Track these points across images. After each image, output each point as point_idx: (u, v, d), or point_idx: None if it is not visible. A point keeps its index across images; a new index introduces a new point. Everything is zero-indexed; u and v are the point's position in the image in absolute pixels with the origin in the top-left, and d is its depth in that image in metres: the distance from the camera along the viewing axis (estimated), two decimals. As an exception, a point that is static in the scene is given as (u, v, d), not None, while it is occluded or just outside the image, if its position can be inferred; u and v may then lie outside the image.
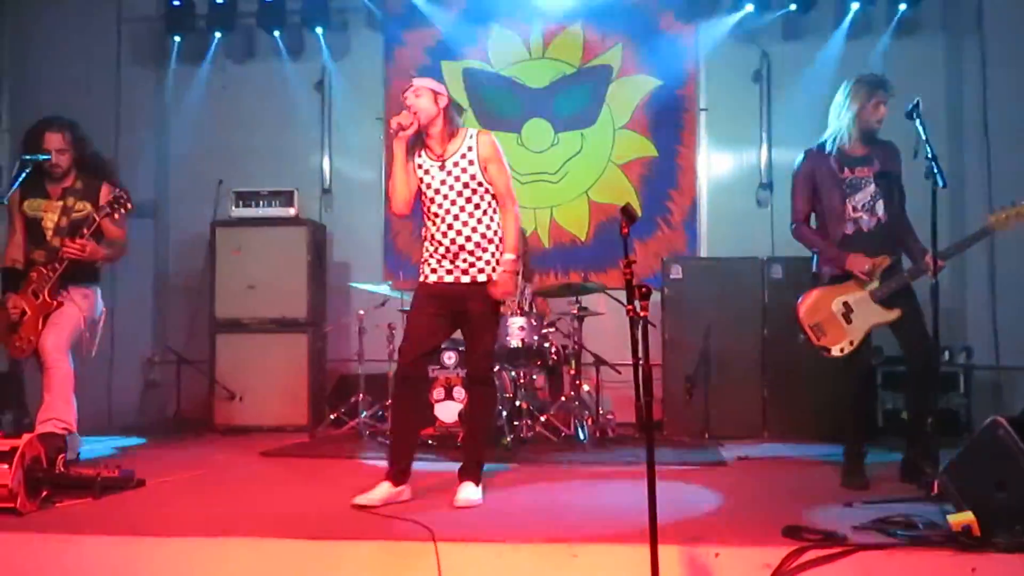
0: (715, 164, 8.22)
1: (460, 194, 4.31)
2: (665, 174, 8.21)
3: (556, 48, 8.41)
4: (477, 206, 4.33)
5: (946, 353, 6.77)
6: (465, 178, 4.31)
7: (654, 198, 8.18)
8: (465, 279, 4.32)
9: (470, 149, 4.34)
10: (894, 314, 4.71)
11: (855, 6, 7.70)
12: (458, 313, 4.37)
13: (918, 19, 7.71)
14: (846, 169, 4.81)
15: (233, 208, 7.72)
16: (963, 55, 7.63)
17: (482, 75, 8.46)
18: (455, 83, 8.38)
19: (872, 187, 4.78)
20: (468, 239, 4.30)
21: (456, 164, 4.32)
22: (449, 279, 4.33)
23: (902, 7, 7.62)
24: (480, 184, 4.32)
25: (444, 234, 4.31)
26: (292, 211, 7.69)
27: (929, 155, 4.33)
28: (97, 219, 4.91)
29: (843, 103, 4.85)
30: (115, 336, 7.36)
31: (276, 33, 8.42)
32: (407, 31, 8.49)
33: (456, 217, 4.31)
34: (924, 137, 4.37)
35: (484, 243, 4.33)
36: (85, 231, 4.90)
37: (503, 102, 8.41)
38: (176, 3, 8.36)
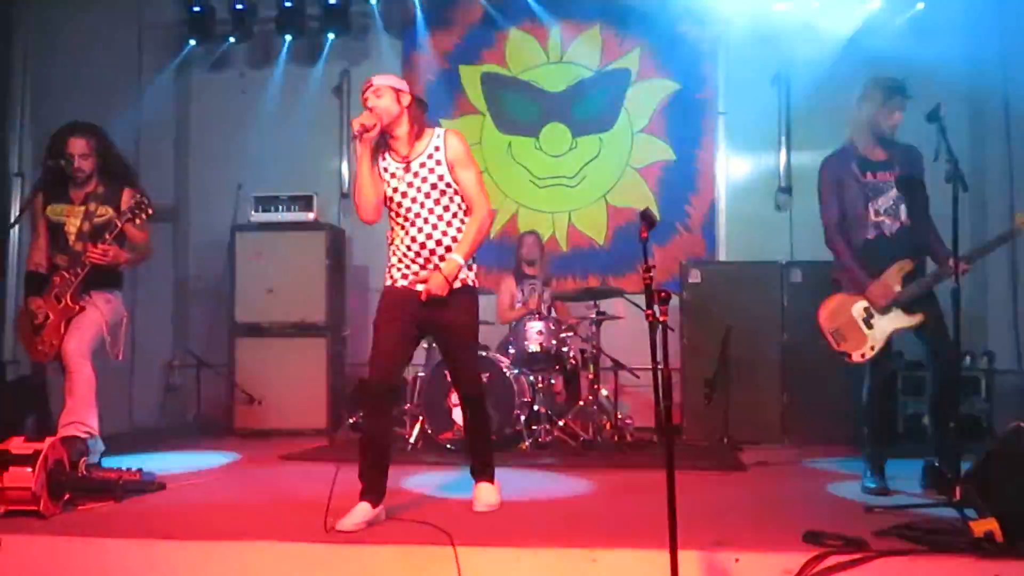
0: (734, 168, 8.20)
1: (428, 196, 4.08)
2: (683, 178, 8.20)
3: (574, 52, 8.42)
4: (446, 208, 4.11)
5: (968, 358, 6.72)
6: (433, 179, 4.08)
7: (672, 202, 8.16)
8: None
9: (437, 149, 4.11)
10: (916, 319, 4.68)
11: (874, 7, 7.65)
12: (428, 322, 4.15)
13: (938, 20, 7.66)
14: (867, 173, 4.78)
15: (253, 213, 7.75)
16: (985, 57, 7.57)
17: (500, 79, 8.47)
18: (473, 87, 8.40)
19: (894, 191, 4.75)
20: (439, 243, 4.08)
21: (423, 165, 4.09)
22: (420, 286, 4.08)
23: (920, 6, 7.56)
24: (449, 185, 4.10)
25: (413, 239, 4.08)
26: (311, 215, 7.72)
27: (951, 158, 4.31)
28: (119, 224, 4.94)
29: (858, 105, 4.82)
30: (136, 340, 7.41)
31: (295, 38, 8.47)
32: (425, 36, 8.51)
33: (426, 220, 4.08)
34: (945, 140, 4.34)
35: (452, 246, 4.10)
36: (108, 236, 4.93)
37: (521, 106, 8.42)
38: (196, 9, 8.43)
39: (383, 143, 4.16)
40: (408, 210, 4.10)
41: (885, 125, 4.76)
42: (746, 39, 8.07)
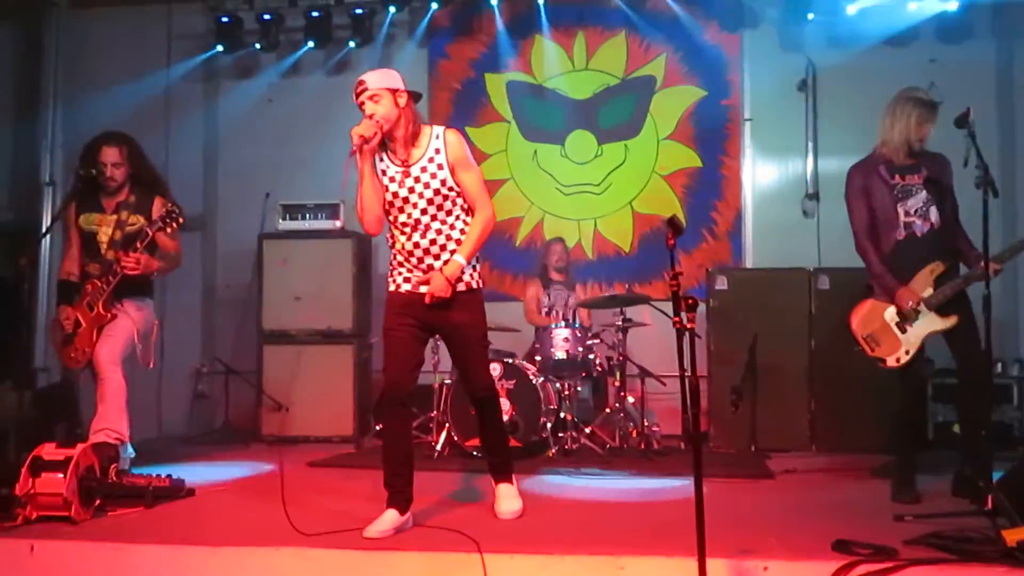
0: (760, 174, 8.17)
1: (431, 202, 3.98)
2: (710, 185, 8.18)
3: (599, 59, 8.42)
4: (449, 212, 4.03)
5: (999, 365, 6.66)
6: (436, 184, 3.97)
7: (699, 209, 8.14)
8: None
9: (438, 152, 4.00)
10: (950, 321, 4.63)
11: (902, 12, 7.61)
12: (434, 325, 4.13)
13: (967, 26, 7.60)
14: (896, 176, 4.75)
15: (280, 221, 7.80)
16: (1014, 62, 7.52)
17: (526, 87, 8.49)
18: (499, 95, 8.42)
19: (924, 193, 4.71)
20: (442, 247, 4.02)
21: (424, 170, 3.98)
22: (423, 288, 4.02)
23: (952, 6, 7.53)
24: (451, 189, 4.00)
25: (416, 244, 4.02)
26: (338, 223, 7.75)
27: (980, 164, 4.27)
28: (150, 233, 4.99)
29: (887, 117, 4.78)
30: (165, 348, 7.46)
31: (321, 48, 8.53)
32: (451, 44, 8.54)
33: (428, 227, 4.00)
34: (975, 146, 4.30)
35: (453, 246, 4.04)
36: (139, 244, 4.98)
37: (547, 114, 8.43)
38: (225, 20, 8.50)
39: (381, 147, 4.04)
40: (409, 215, 4.00)
41: (915, 138, 4.72)
42: (772, 45, 8.06)
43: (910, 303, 4.63)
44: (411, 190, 3.99)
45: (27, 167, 8.66)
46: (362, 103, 3.98)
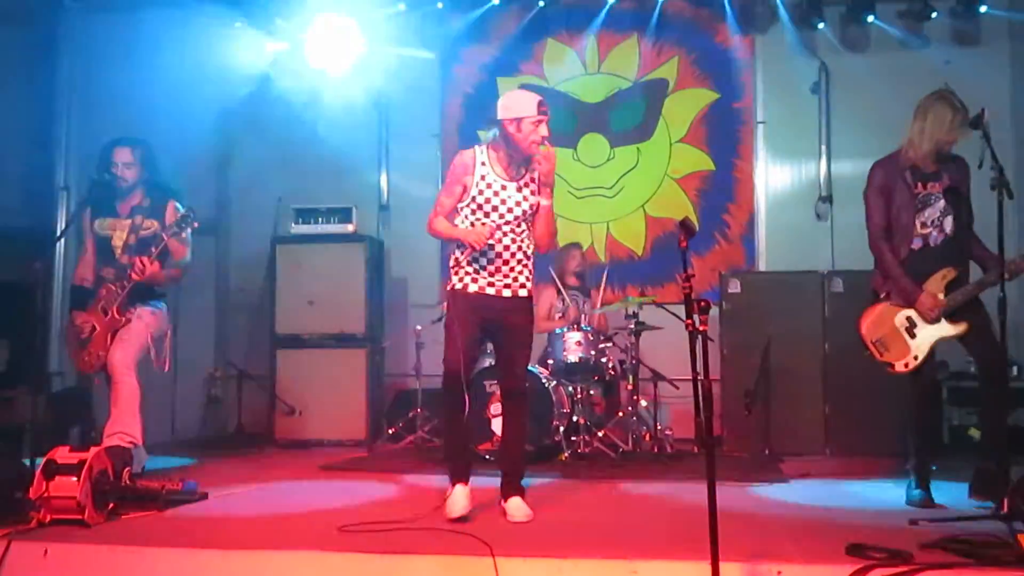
0: (773, 177, 8.15)
1: (517, 217, 4.36)
2: (722, 188, 8.17)
3: (611, 62, 8.42)
4: (529, 226, 4.43)
5: (1014, 369, 6.61)
6: (533, 200, 4.37)
7: (711, 212, 8.13)
8: (507, 292, 4.38)
9: (533, 180, 4.39)
10: (960, 328, 4.61)
11: (913, 14, 7.57)
12: (495, 326, 4.42)
13: (982, 28, 7.58)
14: (919, 184, 4.71)
15: (293, 225, 7.83)
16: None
17: (537, 90, 8.45)
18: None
19: (942, 202, 4.68)
20: (513, 255, 4.38)
21: (519, 190, 4.37)
22: (491, 291, 4.36)
23: (971, 15, 7.49)
24: (532, 207, 4.38)
25: (492, 247, 4.34)
26: (350, 227, 7.77)
27: (995, 165, 4.25)
28: (165, 238, 5.01)
29: (921, 121, 4.72)
30: (178, 352, 7.49)
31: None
32: (463, 48, 8.55)
33: (507, 234, 4.35)
34: (990, 147, 4.28)
35: (525, 260, 4.44)
36: (153, 250, 4.99)
37: (559, 117, 8.33)
38: (238, 24, 8.51)
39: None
40: (499, 218, 4.34)
41: (946, 141, 4.67)
42: (785, 47, 8.04)
43: (933, 312, 4.61)
44: (516, 202, 4.37)
45: (41, 172, 8.70)
46: (539, 126, 4.36)
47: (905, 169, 4.73)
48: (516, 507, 4.30)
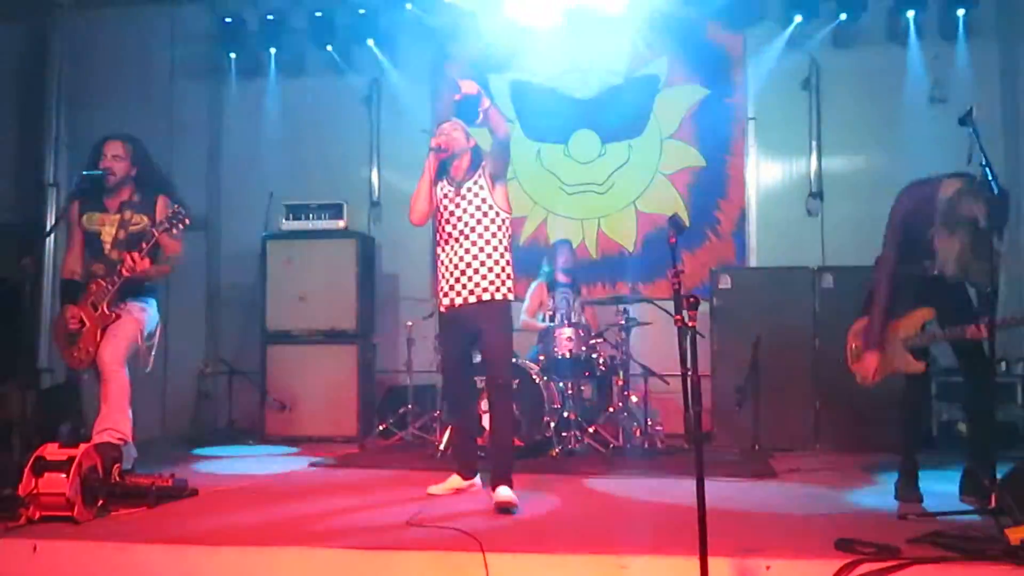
0: (764, 173, 8.16)
1: (472, 216, 4.63)
2: (713, 184, 8.17)
3: (603, 58, 8.41)
4: (487, 228, 4.63)
5: (1003, 364, 6.64)
6: (477, 201, 4.64)
7: (702, 208, 8.13)
8: (472, 299, 4.60)
9: (480, 175, 4.70)
10: (918, 367, 4.61)
11: (905, 12, 7.59)
12: (474, 329, 4.70)
13: (971, 25, 7.59)
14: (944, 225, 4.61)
15: (284, 221, 7.82)
16: (1018, 62, 7.50)
17: (529, 87, 8.49)
18: (502, 95, 8.42)
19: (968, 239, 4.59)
20: (475, 257, 4.61)
21: (470, 190, 4.67)
22: (459, 300, 4.63)
23: (960, 12, 7.50)
24: (491, 207, 4.65)
25: (455, 253, 4.64)
26: (341, 223, 7.77)
27: (983, 162, 4.25)
28: (156, 234, 4.99)
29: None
30: (168, 347, 7.47)
31: (326, 48, 8.53)
32: (454, 45, 8.53)
33: (467, 237, 4.62)
34: (979, 144, 4.28)
35: (490, 263, 4.62)
36: (144, 245, 4.97)
37: (550, 113, 8.43)
38: (228, 20, 8.51)
39: (443, 170, 4.75)
40: (455, 227, 4.65)
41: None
42: (775, 43, 8.04)
43: (861, 380, 4.77)
44: (457, 205, 4.68)
45: (31, 167, 8.68)
46: (443, 131, 4.78)
47: (936, 210, 4.47)
48: (502, 491, 4.36)
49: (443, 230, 4.73)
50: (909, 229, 4.64)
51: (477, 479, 4.85)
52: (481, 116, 4.60)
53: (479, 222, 4.64)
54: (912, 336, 4.62)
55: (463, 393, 5.04)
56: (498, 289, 4.64)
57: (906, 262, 4.68)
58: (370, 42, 8.47)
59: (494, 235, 4.66)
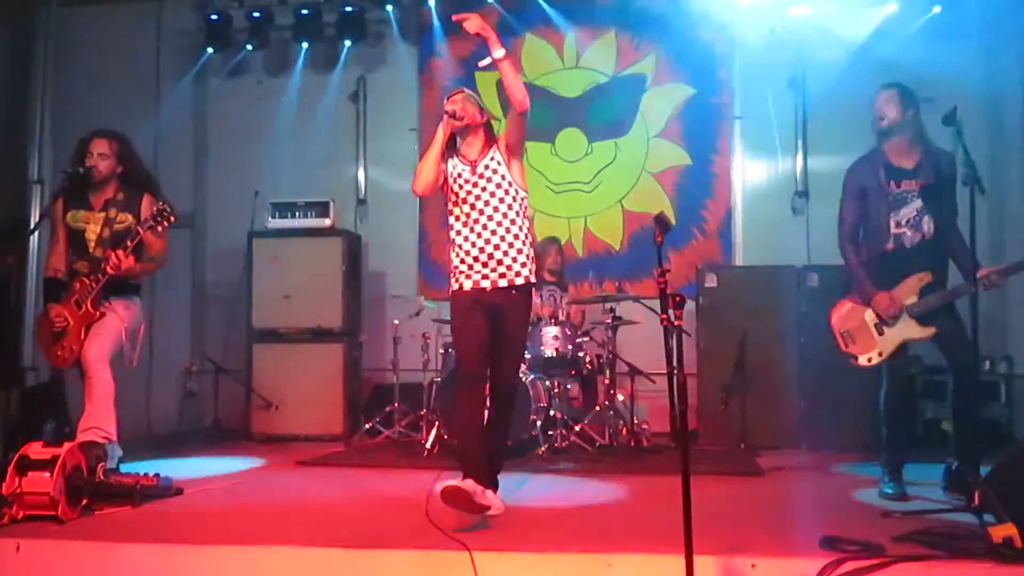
0: (750, 172, 8.19)
1: (493, 195, 4.33)
2: (700, 182, 8.19)
3: (590, 57, 8.43)
4: (510, 207, 4.35)
5: (987, 363, 6.68)
6: (496, 179, 4.35)
7: (689, 206, 8.15)
8: (502, 283, 4.30)
9: (496, 152, 4.44)
10: (928, 331, 4.64)
11: (891, 10, 7.62)
12: (496, 318, 4.32)
13: (956, 23, 7.62)
14: (892, 182, 4.71)
15: (270, 219, 7.79)
16: (1002, 59, 7.54)
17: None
18: (489, 93, 8.36)
19: (919, 202, 4.68)
20: (503, 239, 4.31)
21: (487, 167, 4.38)
22: (485, 284, 4.30)
23: (936, 9, 7.55)
24: (511, 184, 4.37)
25: (479, 235, 4.32)
26: (328, 222, 7.75)
27: (968, 161, 4.28)
28: (140, 232, 4.96)
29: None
30: (154, 346, 7.46)
31: (312, 46, 8.53)
32: (441, 42, 8.53)
33: (490, 218, 4.32)
34: (963, 143, 4.31)
35: (518, 244, 4.34)
36: (128, 243, 4.95)
37: (536, 112, 8.26)
38: (214, 17, 8.48)
39: (453, 146, 4.46)
40: (473, 208, 4.34)
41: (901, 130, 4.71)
42: (762, 43, 8.07)
43: (890, 311, 4.66)
44: (475, 185, 4.37)
45: (16, 165, 8.63)
46: (456, 101, 4.44)
47: (880, 167, 4.74)
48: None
49: (461, 211, 4.38)
50: (862, 206, 4.79)
51: (498, 496, 4.24)
52: (490, 62, 4.41)
53: (501, 200, 4.34)
54: (915, 302, 4.66)
55: (484, 376, 4.32)
56: (529, 272, 4.36)
57: (868, 244, 4.79)
58: (356, 40, 8.45)
59: (518, 214, 4.36)
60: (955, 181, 4.64)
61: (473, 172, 4.38)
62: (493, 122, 4.60)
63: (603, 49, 8.40)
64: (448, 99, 4.49)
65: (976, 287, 4.34)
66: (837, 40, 7.83)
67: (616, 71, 8.38)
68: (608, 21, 8.35)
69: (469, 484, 4.00)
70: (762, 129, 8.12)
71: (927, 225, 4.69)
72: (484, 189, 4.35)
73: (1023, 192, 7.29)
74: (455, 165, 4.43)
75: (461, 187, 4.38)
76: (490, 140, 4.48)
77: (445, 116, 4.36)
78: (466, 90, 4.57)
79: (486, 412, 4.40)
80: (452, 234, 4.42)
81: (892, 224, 4.71)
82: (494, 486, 4.31)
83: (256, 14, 8.46)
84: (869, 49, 7.75)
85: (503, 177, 4.37)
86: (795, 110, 8.02)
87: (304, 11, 8.38)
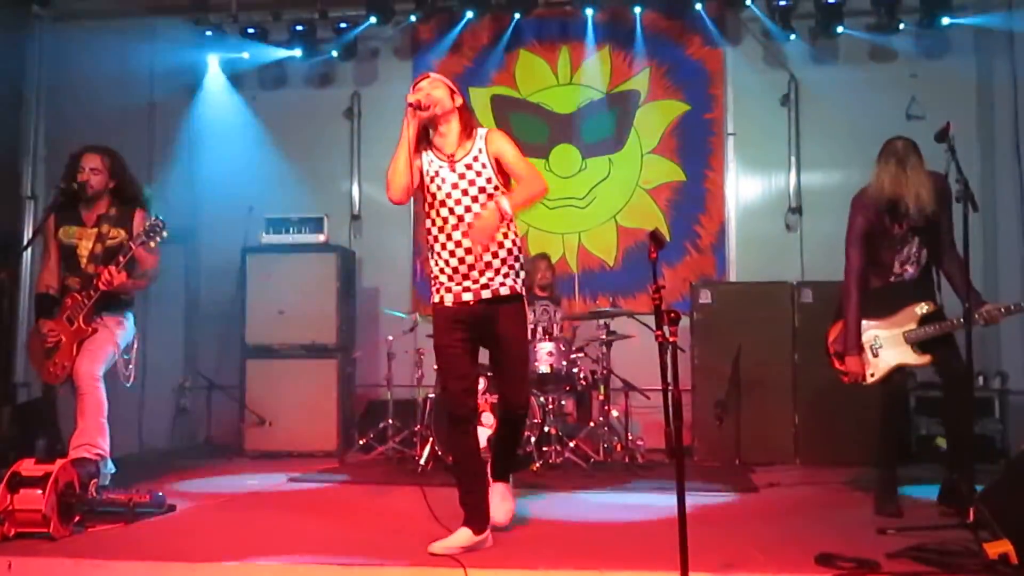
0: (744, 188, 8.20)
1: (475, 199, 3.90)
2: (693, 199, 8.21)
3: (583, 74, 8.45)
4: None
5: (980, 378, 6.69)
6: (481, 182, 3.92)
7: (683, 223, 8.17)
8: (486, 294, 3.94)
9: (481, 151, 3.97)
10: (924, 359, 4.70)
11: (883, 27, 7.66)
12: (485, 336, 4.02)
13: (949, 42, 7.68)
14: (896, 225, 4.72)
15: (263, 234, 7.78)
16: (994, 78, 7.58)
17: (510, 101, 8.51)
18: (483, 109, 8.43)
19: (916, 239, 4.74)
20: (486, 247, 3.90)
21: (469, 167, 3.94)
22: (468, 297, 3.93)
23: (936, 30, 7.59)
24: (496, 188, 3.93)
25: (458, 243, 3.90)
26: (322, 237, 7.74)
27: (960, 178, 4.30)
28: (133, 248, 4.95)
29: (878, 168, 4.75)
30: (147, 362, 7.42)
31: (306, 61, 8.53)
32: (435, 58, 8.54)
33: (471, 225, 3.88)
34: (955, 160, 4.33)
35: (503, 252, 3.96)
36: (121, 259, 4.94)
37: (531, 128, 8.44)
38: (209, 33, 8.48)
39: (425, 139, 4.02)
40: (451, 211, 3.91)
41: (898, 195, 4.64)
42: (755, 59, 8.12)
43: (855, 376, 4.77)
44: (455, 186, 3.92)
45: (9, 180, 8.60)
46: (420, 88, 3.96)
47: (884, 212, 4.72)
48: (498, 492, 4.22)
49: (439, 215, 3.94)
50: (868, 246, 4.78)
51: (489, 534, 3.91)
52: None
53: (484, 206, 3.87)
54: (912, 328, 4.69)
55: (473, 410, 4.05)
56: (514, 282, 3.98)
57: (871, 277, 4.81)
58: (351, 55, 8.47)
59: (504, 220, 3.87)
60: (949, 203, 4.68)
61: (452, 169, 3.94)
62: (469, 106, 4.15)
63: (597, 65, 8.43)
64: (413, 87, 4.00)
65: (974, 319, 4.35)
66: (829, 57, 7.88)
67: (610, 87, 8.41)
68: (602, 38, 8.38)
69: (463, 538, 3.79)
70: (755, 145, 8.14)
71: (924, 257, 4.78)
72: (465, 192, 3.91)
73: (1016, 209, 7.30)
74: (431, 161, 3.99)
75: (440, 187, 3.94)
76: (467, 128, 4.00)
77: (409, 109, 3.86)
78: (432, 74, 4.08)
79: (495, 431, 4.27)
80: (430, 239, 4.01)
81: (897, 264, 4.79)
82: (505, 479, 4.27)
83: (251, 30, 8.46)
84: (862, 66, 7.79)
85: (488, 180, 3.93)
86: (788, 127, 8.04)
87: (299, 27, 8.39)
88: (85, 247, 5.12)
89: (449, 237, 3.93)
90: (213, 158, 8.78)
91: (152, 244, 4.98)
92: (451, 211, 3.92)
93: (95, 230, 5.14)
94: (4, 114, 8.68)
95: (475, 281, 3.94)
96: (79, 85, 8.62)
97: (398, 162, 3.90)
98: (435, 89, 3.96)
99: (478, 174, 3.93)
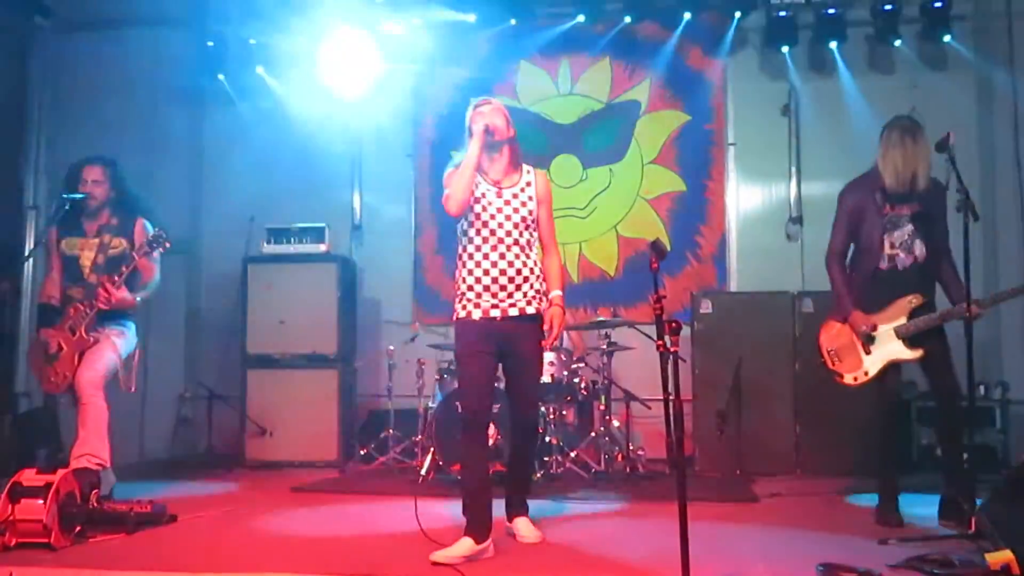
0: (744, 198, 8.21)
1: (517, 226, 4.19)
2: (694, 209, 8.22)
3: (584, 84, 8.47)
4: (528, 242, 4.25)
5: (981, 388, 6.68)
6: (524, 212, 4.22)
7: (683, 233, 8.17)
8: (513, 312, 4.15)
9: (528, 184, 4.29)
10: (916, 353, 4.69)
11: (882, 37, 7.68)
12: (505, 353, 4.21)
13: (949, 52, 7.69)
14: (887, 205, 4.76)
15: (265, 244, 7.79)
16: (995, 88, 7.60)
17: (510, 112, 8.45)
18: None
19: (910, 226, 4.74)
20: (519, 272, 4.17)
21: (516, 196, 4.24)
22: (495, 313, 4.14)
23: (937, 40, 7.61)
24: (535, 221, 4.27)
25: (494, 263, 4.15)
26: (323, 247, 7.75)
27: (960, 188, 4.31)
28: (136, 258, 4.97)
29: (881, 147, 4.80)
30: (148, 372, 7.42)
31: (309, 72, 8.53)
32: (437, 69, 8.55)
33: (509, 247, 4.16)
34: (955, 170, 4.35)
35: (530, 276, 4.21)
36: (124, 269, 4.95)
37: (531, 138, 8.43)
38: (211, 44, 8.49)
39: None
40: (493, 233, 4.18)
41: (904, 174, 4.69)
42: (755, 70, 8.13)
43: (863, 327, 4.72)
44: (499, 210, 4.20)
45: (11, 191, 8.63)
46: (481, 113, 4.30)
47: (876, 190, 4.78)
48: (522, 527, 4.34)
49: (480, 235, 4.17)
50: (855, 227, 4.84)
51: (490, 544, 3.99)
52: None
53: (522, 233, 4.19)
54: (903, 323, 4.70)
55: (488, 422, 4.34)
56: (539, 305, 4.22)
57: (862, 263, 4.84)
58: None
59: (532, 247, 4.25)
60: (944, 207, 4.73)
61: (499, 195, 4.22)
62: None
63: (597, 76, 8.45)
64: (475, 109, 4.33)
65: (968, 312, 4.35)
66: (830, 68, 7.90)
67: (611, 97, 8.42)
68: (602, 48, 8.40)
69: (465, 547, 3.86)
70: (756, 155, 8.15)
71: (919, 249, 4.74)
72: (508, 218, 4.18)
73: (1016, 220, 7.31)
74: (478, 184, 4.22)
75: (485, 208, 4.18)
76: (515, 161, 4.33)
77: (481, 132, 4.16)
78: (493, 100, 4.43)
79: (508, 445, 4.41)
80: (464, 256, 4.23)
81: (887, 245, 4.77)
82: (524, 510, 4.41)
83: (253, 41, 8.47)
84: (862, 77, 7.81)
85: (530, 213, 4.23)
86: (788, 136, 8.05)
87: (301, 38, 8.38)
88: (87, 257, 5.14)
89: (486, 256, 4.18)
90: (215, 168, 8.80)
91: (153, 254, 5.00)
92: (492, 232, 4.18)
93: (96, 240, 5.16)
94: (6, 125, 8.71)
95: (503, 300, 4.17)
96: (81, 95, 8.64)
97: (464, 176, 4.12)
98: (497, 116, 4.30)
99: (523, 204, 4.24)
